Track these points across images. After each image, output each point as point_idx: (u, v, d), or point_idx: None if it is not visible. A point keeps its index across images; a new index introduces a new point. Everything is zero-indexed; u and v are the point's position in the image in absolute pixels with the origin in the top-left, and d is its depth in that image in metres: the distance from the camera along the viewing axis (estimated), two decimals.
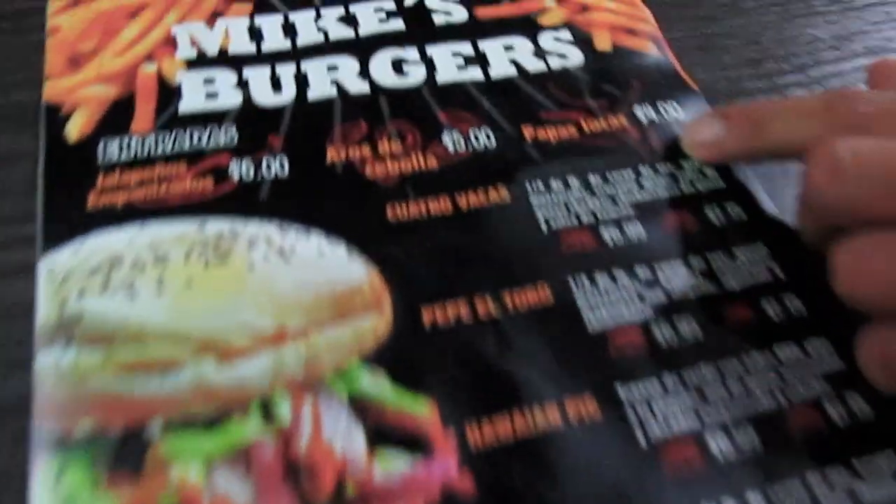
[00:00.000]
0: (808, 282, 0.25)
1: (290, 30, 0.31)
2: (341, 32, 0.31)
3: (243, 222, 0.25)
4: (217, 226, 0.25)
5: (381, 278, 0.24)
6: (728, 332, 0.24)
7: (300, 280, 0.24)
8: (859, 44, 0.35)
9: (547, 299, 0.24)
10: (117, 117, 0.27)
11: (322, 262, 0.24)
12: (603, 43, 0.32)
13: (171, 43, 0.30)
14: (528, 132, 0.29)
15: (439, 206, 0.26)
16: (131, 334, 0.22)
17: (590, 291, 0.24)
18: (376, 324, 0.23)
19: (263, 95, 0.29)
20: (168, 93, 0.28)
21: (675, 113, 0.30)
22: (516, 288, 0.24)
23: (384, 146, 0.28)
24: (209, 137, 0.27)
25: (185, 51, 0.30)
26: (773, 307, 0.25)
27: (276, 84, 0.29)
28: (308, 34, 0.31)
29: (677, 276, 0.25)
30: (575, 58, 0.31)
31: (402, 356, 0.22)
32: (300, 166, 0.27)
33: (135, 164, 0.26)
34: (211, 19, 0.31)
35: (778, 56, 0.34)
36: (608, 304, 0.24)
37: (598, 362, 0.23)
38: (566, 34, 0.32)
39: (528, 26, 0.32)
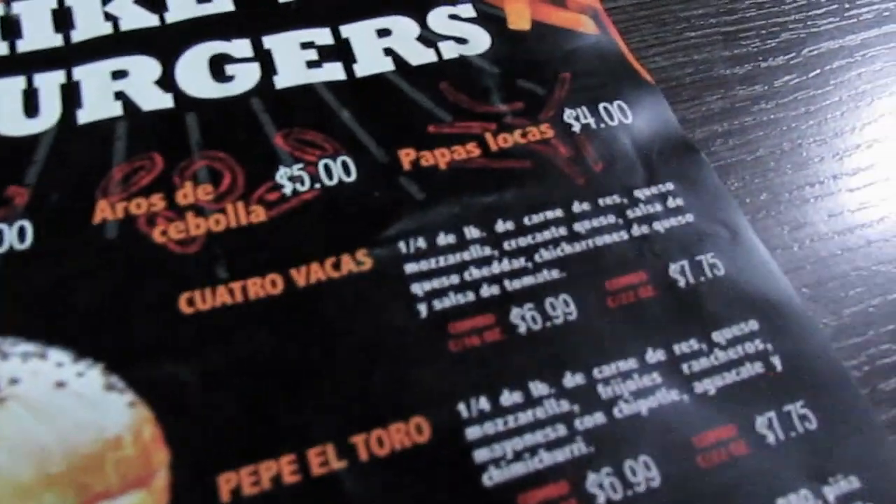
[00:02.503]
0: (820, 375, 0.17)
1: (63, 18, 0.21)
2: (139, 20, 0.22)
3: None
4: None
5: (156, 423, 0.15)
6: (705, 475, 0.15)
7: (19, 440, 0.14)
8: (869, 8, 0.26)
9: (422, 438, 0.15)
10: None
11: (60, 402, 0.15)
12: (520, 19, 0.23)
13: None
14: (406, 157, 0.19)
15: (262, 286, 0.17)
16: None
17: (490, 421, 0.16)
18: None
19: (8, 121, 0.19)
20: None
21: (623, 117, 0.21)
22: (374, 426, 0.15)
23: (186, 194, 0.18)
24: None
25: None
26: (771, 425, 0.16)
27: (30, 103, 0.20)
28: (89, 25, 0.21)
29: (627, 383, 0.16)
30: (479, 42, 0.22)
31: None
32: (50, 233, 0.17)
33: None
34: None
35: (761, 28, 0.25)
36: (518, 441, 0.15)
37: None
38: (467, 9, 0.23)
39: (413, 1, 0.23)
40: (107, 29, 0.21)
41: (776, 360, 0.17)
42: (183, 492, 0.14)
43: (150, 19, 0.22)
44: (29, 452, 0.14)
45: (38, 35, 0.21)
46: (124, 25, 0.21)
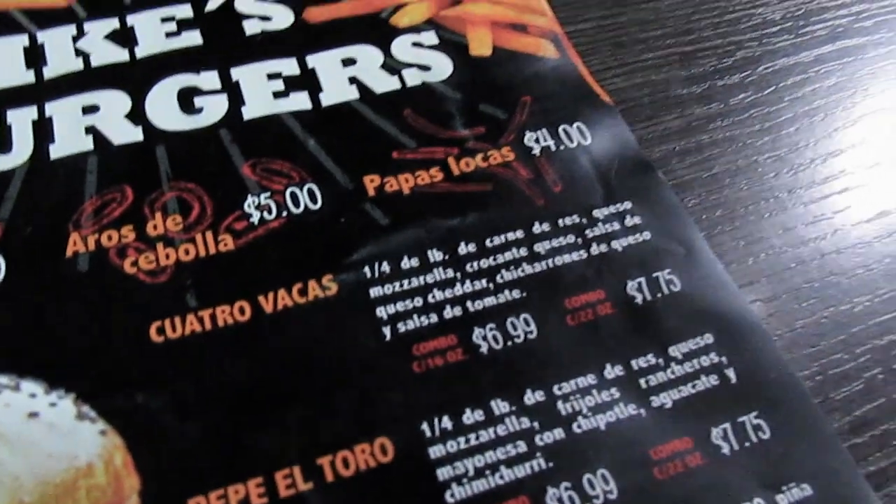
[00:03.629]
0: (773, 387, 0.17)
1: (34, 56, 0.22)
2: (109, 55, 0.22)
3: None
4: None
5: (127, 450, 0.15)
6: (661, 485, 0.16)
7: None
8: (822, 24, 0.27)
9: (386, 458, 0.16)
10: None
11: (32, 433, 0.15)
12: (481, 45, 0.24)
13: None
14: (371, 183, 0.20)
15: (231, 314, 0.18)
16: None
17: (451, 439, 0.16)
18: None
19: None
20: None
21: (582, 138, 0.22)
22: (340, 445, 0.16)
23: (156, 225, 0.19)
24: None
25: None
26: (726, 435, 0.17)
27: (3, 139, 0.20)
28: (61, 61, 0.22)
29: (585, 399, 0.17)
30: (441, 69, 0.23)
31: None
32: (23, 267, 0.18)
33: None
34: None
35: (717, 48, 0.25)
36: (479, 459, 0.16)
37: None
38: (430, 37, 0.24)
39: (378, 30, 0.24)
40: (78, 65, 0.22)
41: (731, 373, 0.18)
42: None
43: (120, 54, 0.22)
44: (2, 483, 0.15)
45: (9, 72, 0.22)
46: (95, 61, 0.22)
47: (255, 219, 0.19)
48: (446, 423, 0.17)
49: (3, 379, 0.16)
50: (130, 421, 0.16)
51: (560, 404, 0.17)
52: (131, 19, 0.23)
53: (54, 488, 0.15)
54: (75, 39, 0.22)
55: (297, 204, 0.20)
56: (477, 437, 0.16)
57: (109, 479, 0.15)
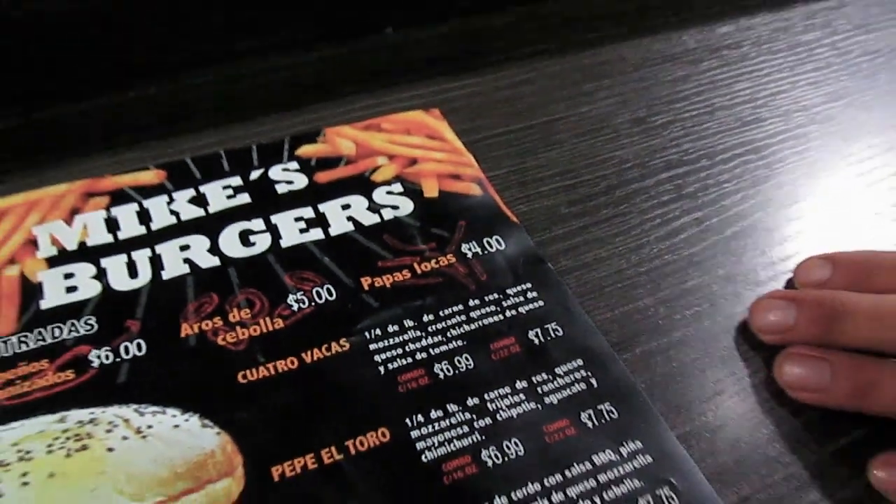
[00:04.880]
0: (625, 386, 0.29)
1: (144, 216, 0.34)
2: (192, 213, 0.34)
3: (103, 408, 0.27)
4: (78, 415, 0.27)
5: (233, 443, 0.26)
6: (550, 446, 0.27)
7: (157, 456, 0.26)
8: (660, 159, 0.40)
9: (386, 439, 0.27)
10: None
11: (177, 436, 0.26)
12: (431, 190, 0.36)
13: (32, 244, 0.33)
14: (366, 282, 0.32)
15: (286, 364, 0.29)
16: None
17: (424, 426, 0.27)
18: (229, 486, 0.25)
19: (120, 282, 0.31)
20: (30, 291, 0.31)
21: (499, 245, 0.34)
22: (358, 433, 0.27)
23: (234, 315, 0.30)
24: (70, 330, 0.29)
25: (46, 250, 0.32)
26: (590, 417, 0.28)
27: (132, 270, 0.32)
28: (161, 218, 0.34)
29: (504, 401, 0.28)
30: (406, 207, 0.35)
31: None
32: (156, 345, 0.29)
33: None
34: (70, 217, 0.34)
35: (589, 180, 0.38)
36: (441, 436, 0.27)
37: (431, 493, 0.25)
38: (397, 187, 0.36)
39: (363, 184, 0.36)
40: (172, 220, 0.34)
41: (593, 381, 0.29)
42: (251, 479, 0.26)
43: (199, 212, 0.34)
44: (164, 462, 0.26)
45: (130, 228, 0.34)
46: (183, 217, 0.34)
47: (295, 308, 0.31)
48: (420, 418, 0.27)
49: (155, 408, 0.27)
50: (232, 426, 0.27)
51: (489, 404, 0.28)
52: (203, 188, 0.36)
53: (194, 464, 0.26)
54: (168, 203, 0.35)
55: (320, 297, 0.31)
56: (439, 425, 0.27)
57: (225, 458, 0.26)
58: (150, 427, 0.27)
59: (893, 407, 0.27)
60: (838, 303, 0.29)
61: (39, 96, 0.42)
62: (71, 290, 0.31)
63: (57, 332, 0.29)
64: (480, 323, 0.31)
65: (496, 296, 0.32)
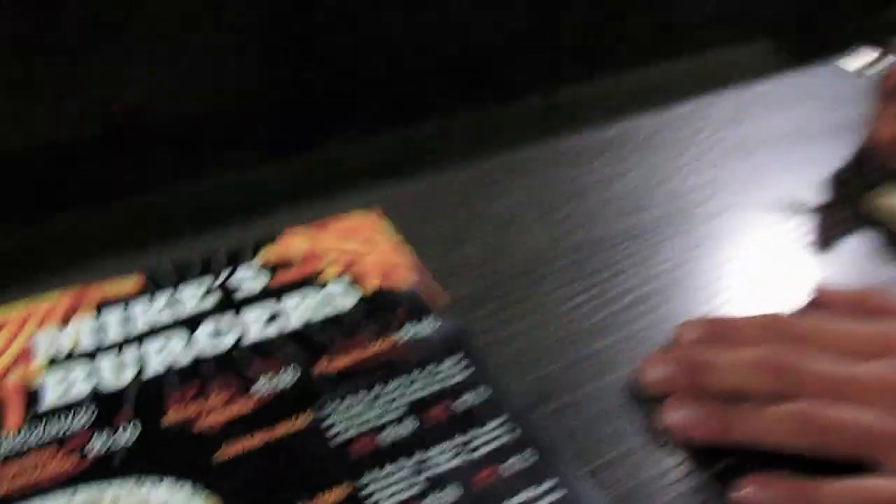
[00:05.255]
0: (542, 435, 0.35)
1: (129, 319, 0.40)
2: (170, 315, 0.40)
3: (107, 484, 0.32)
4: (84, 494, 0.32)
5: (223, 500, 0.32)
6: (478, 493, 0.33)
7: None
8: (563, 246, 0.47)
9: (343, 497, 0.33)
10: None
11: (172, 502, 0.32)
12: (372, 285, 0.43)
13: (30, 350, 0.38)
14: (319, 367, 0.38)
15: (254, 441, 0.34)
16: None
17: (380, 481, 0.33)
18: None
19: (110, 380, 0.37)
20: (33, 393, 0.36)
21: (432, 327, 0.41)
22: (318, 497, 0.32)
23: (211, 401, 0.36)
24: (72, 422, 0.35)
25: (43, 355, 0.38)
26: (515, 464, 0.34)
27: (120, 368, 0.37)
28: (144, 320, 0.40)
29: (441, 457, 0.34)
30: (351, 300, 0.42)
31: None
32: (146, 431, 0.35)
33: (9, 458, 0.33)
34: (63, 322, 0.39)
35: (505, 268, 0.46)
36: (390, 489, 0.33)
37: None
38: (343, 282, 0.43)
39: (314, 282, 0.43)
40: (154, 321, 0.40)
41: (517, 433, 0.35)
42: None
43: (176, 313, 0.40)
44: None
45: (116, 331, 0.39)
46: (163, 318, 0.40)
47: (263, 391, 0.37)
48: (374, 475, 0.33)
49: (151, 478, 0.32)
50: (217, 494, 0.32)
51: (429, 461, 0.34)
52: (178, 292, 0.42)
53: None
54: (149, 306, 0.41)
55: (281, 382, 0.37)
56: (388, 480, 0.33)
57: None
58: (147, 498, 0.32)
59: (748, 439, 0.34)
60: (702, 358, 0.36)
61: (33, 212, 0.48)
62: (69, 389, 0.36)
63: (60, 424, 0.35)
64: (420, 394, 0.37)
65: (432, 369, 0.38)
